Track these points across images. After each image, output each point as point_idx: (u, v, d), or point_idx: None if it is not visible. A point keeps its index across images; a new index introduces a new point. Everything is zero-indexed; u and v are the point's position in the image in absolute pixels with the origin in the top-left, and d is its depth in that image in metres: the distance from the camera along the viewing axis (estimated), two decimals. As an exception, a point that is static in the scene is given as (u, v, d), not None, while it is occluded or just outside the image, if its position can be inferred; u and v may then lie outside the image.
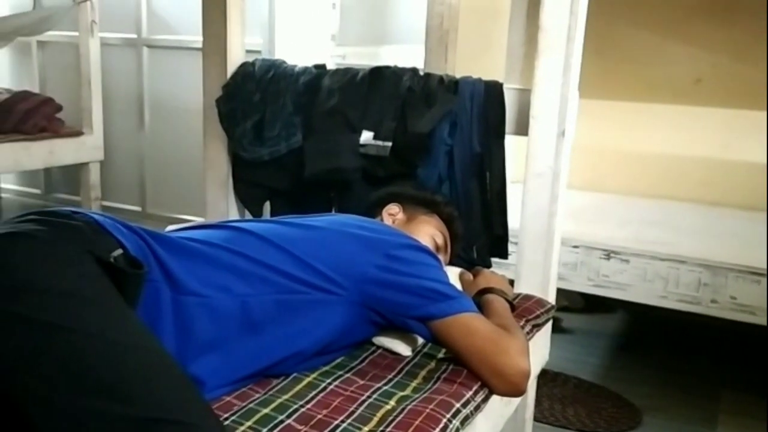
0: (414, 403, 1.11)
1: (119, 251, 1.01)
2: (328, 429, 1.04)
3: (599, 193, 3.07)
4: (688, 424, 2.18)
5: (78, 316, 0.90)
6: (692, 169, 3.04)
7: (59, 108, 3.56)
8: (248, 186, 1.99)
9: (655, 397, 2.34)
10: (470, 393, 1.17)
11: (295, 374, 1.20)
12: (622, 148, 3.17)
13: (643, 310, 2.47)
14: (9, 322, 0.88)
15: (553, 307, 1.69)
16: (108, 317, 0.93)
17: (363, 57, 3.09)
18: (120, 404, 0.85)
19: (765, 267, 2.14)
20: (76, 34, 3.60)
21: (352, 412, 1.09)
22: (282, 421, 1.05)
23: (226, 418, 1.04)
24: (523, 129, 1.70)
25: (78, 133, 3.61)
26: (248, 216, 2.03)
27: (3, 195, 4.50)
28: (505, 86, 1.74)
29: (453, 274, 1.50)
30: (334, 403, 1.11)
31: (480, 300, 1.35)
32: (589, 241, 2.37)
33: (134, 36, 3.89)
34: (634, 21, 3.08)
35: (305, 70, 1.92)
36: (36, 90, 4.00)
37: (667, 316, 2.46)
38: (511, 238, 1.77)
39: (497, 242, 1.78)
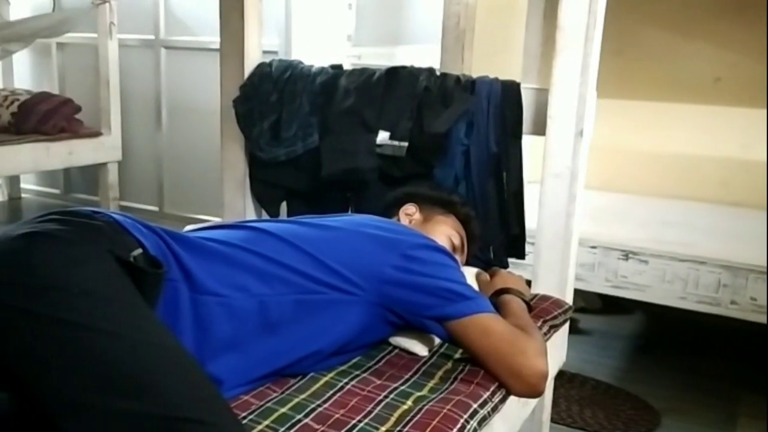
0: (431, 403, 1.11)
1: (139, 251, 1.02)
2: (346, 428, 1.04)
3: (617, 193, 3.05)
4: (708, 426, 2.16)
5: (97, 315, 0.90)
6: (712, 170, 3.01)
7: (78, 109, 3.60)
8: (265, 186, 2.00)
9: (674, 399, 2.32)
10: (487, 394, 1.17)
11: (312, 374, 1.21)
12: (640, 148, 3.15)
13: (661, 311, 2.45)
14: (29, 320, 0.88)
15: (570, 307, 1.68)
16: (127, 316, 0.93)
17: (379, 57, 3.09)
18: (140, 402, 0.86)
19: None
20: (95, 35, 3.64)
21: (369, 412, 1.09)
22: (299, 421, 1.05)
23: (244, 417, 1.05)
24: (540, 129, 1.69)
25: (96, 134, 3.65)
26: (265, 216, 2.03)
27: (23, 195, 4.55)
28: (522, 86, 1.74)
29: (470, 274, 1.50)
30: (351, 403, 1.11)
31: (497, 300, 1.34)
32: (607, 241, 2.35)
33: (152, 37, 3.91)
34: (652, 20, 3.06)
35: (322, 70, 1.92)
36: (55, 91, 4.04)
37: (685, 317, 2.44)
38: (528, 239, 1.77)
39: (514, 242, 1.77)
